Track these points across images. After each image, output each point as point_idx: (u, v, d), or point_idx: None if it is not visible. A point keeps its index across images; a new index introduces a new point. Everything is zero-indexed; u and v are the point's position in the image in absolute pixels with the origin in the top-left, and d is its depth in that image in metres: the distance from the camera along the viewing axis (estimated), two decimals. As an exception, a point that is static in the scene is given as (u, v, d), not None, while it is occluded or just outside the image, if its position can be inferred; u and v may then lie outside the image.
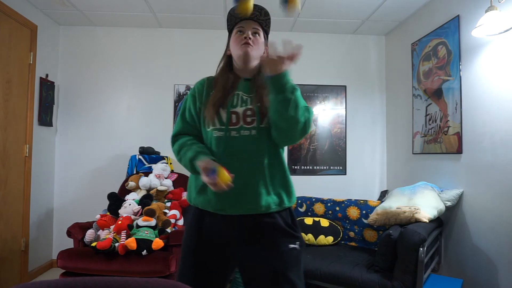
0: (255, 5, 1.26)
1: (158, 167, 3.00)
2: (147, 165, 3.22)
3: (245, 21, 1.30)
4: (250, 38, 1.27)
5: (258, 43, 1.30)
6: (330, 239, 2.85)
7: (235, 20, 1.32)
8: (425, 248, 2.00)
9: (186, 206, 2.88)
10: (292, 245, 1.24)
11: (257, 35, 1.30)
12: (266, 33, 1.37)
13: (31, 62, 2.98)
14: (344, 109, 3.64)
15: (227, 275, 1.31)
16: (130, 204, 2.63)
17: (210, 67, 3.95)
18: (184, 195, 2.93)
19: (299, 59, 1.13)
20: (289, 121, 1.15)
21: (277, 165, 1.28)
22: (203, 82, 1.36)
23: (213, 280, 1.27)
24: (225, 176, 1.09)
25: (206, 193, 1.24)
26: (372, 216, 2.55)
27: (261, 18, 1.32)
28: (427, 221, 2.21)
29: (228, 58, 1.37)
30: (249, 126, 1.23)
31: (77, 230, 2.50)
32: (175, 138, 1.34)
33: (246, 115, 1.24)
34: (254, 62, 1.31)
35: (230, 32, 1.36)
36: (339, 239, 2.89)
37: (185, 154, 1.24)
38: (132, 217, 2.54)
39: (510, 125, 2.04)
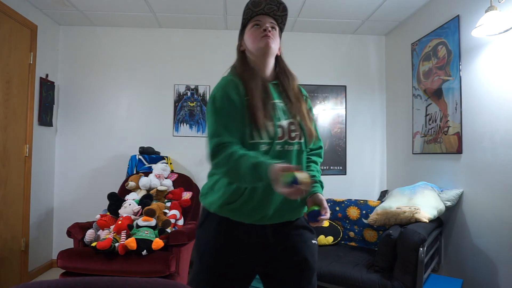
0: None
1: (158, 167, 3.00)
2: (147, 165, 3.22)
3: (262, 16, 1.26)
4: (269, 31, 1.23)
5: (276, 37, 1.26)
6: (330, 239, 2.85)
7: (251, 14, 1.27)
8: (425, 248, 2.00)
9: (186, 206, 2.88)
10: (313, 241, 1.30)
11: (274, 29, 1.26)
12: (281, 30, 1.33)
13: (31, 62, 2.99)
14: (344, 109, 3.64)
15: (249, 283, 1.29)
16: (130, 204, 2.63)
17: (210, 67, 3.96)
18: (184, 195, 2.93)
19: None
20: None
21: None
22: (234, 85, 1.21)
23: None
24: (305, 178, 0.96)
25: (240, 207, 1.17)
26: (372, 216, 2.55)
27: (278, 13, 1.28)
28: (427, 221, 2.21)
29: (244, 57, 1.29)
30: (292, 141, 1.20)
31: (77, 230, 2.50)
32: (218, 148, 1.13)
33: (290, 129, 1.21)
34: (272, 60, 1.28)
35: (244, 26, 1.31)
36: (339, 239, 2.89)
37: (240, 163, 1.06)
38: (132, 217, 2.54)
39: (510, 125, 2.04)
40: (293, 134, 1.21)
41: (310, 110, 1.34)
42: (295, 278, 1.24)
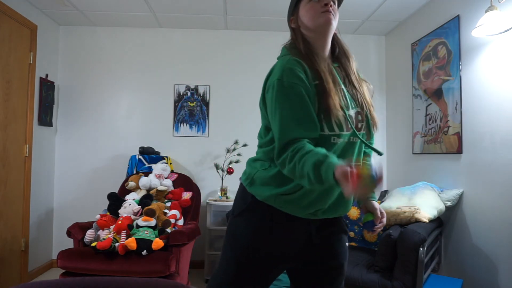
0: None
1: (158, 167, 3.00)
2: (147, 165, 3.22)
3: None
4: (331, 5, 1.10)
5: (336, 13, 1.13)
6: (330, 239, 2.85)
7: None
8: (425, 248, 2.00)
9: (186, 206, 2.88)
10: (347, 244, 1.28)
11: (334, 4, 1.13)
12: (339, 4, 1.20)
13: (31, 62, 2.98)
14: (344, 109, 3.64)
15: (275, 278, 1.23)
16: (130, 204, 2.63)
17: (210, 67, 3.96)
18: (184, 195, 2.93)
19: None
20: None
21: None
22: (301, 66, 1.05)
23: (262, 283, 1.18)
24: (366, 176, 0.84)
25: (299, 199, 1.08)
26: (372, 216, 2.55)
27: None
28: (427, 221, 2.21)
29: (301, 34, 1.14)
30: (359, 133, 1.10)
31: (77, 230, 2.50)
32: (285, 147, 1.01)
33: (358, 119, 1.11)
34: (331, 37, 1.16)
35: (297, 0, 1.17)
36: (339, 239, 2.88)
37: (303, 162, 0.94)
38: (132, 217, 2.54)
39: (510, 125, 2.04)
40: (360, 125, 1.11)
41: (371, 97, 1.22)
42: (329, 282, 1.22)
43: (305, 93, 1.01)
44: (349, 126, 1.05)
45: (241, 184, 1.22)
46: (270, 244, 1.13)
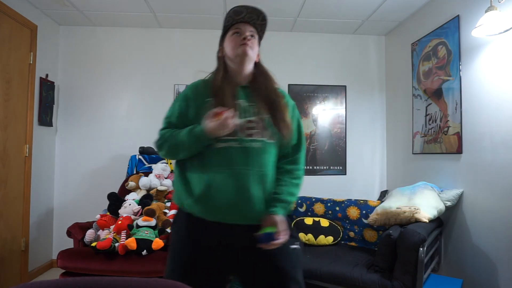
0: (254, 9, 1.30)
1: (158, 167, 3.00)
2: (147, 165, 3.22)
3: (243, 24, 1.31)
4: (249, 39, 1.28)
5: (254, 45, 1.31)
6: (330, 239, 2.85)
7: (232, 22, 1.32)
8: (425, 248, 2.00)
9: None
10: (293, 246, 1.26)
11: (253, 37, 1.31)
12: (260, 38, 1.38)
13: (31, 62, 2.98)
14: (344, 109, 3.64)
15: (223, 283, 1.29)
16: (130, 204, 2.63)
17: (210, 67, 3.95)
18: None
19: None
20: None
21: (274, 176, 1.28)
22: (197, 86, 1.33)
23: None
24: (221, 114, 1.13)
25: (206, 202, 1.19)
26: (372, 216, 2.55)
27: (258, 22, 1.33)
28: (427, 221, 2.21)
29: (224, 63, 1.34)
30: (248, 139, 1.22)
31: (77, 230, 2.50)
32: (160, 133, 1.32)
33: (247, 127, 1.23)
34: (249, 66, 1.31)
35: (224, 33, 1.36)
36: (339, 239, 2.89)
37: (175, 134, 1.24)
38: (132, 217, 2.54)
39: (510, 125, 2.04)
40: (250, 132, 1.23)
41: (288, 110, 1.32)
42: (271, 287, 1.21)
43: (185, 108, 1.29)
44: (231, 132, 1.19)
45: None
46: (196, 253, 1.21)
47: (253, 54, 1.29)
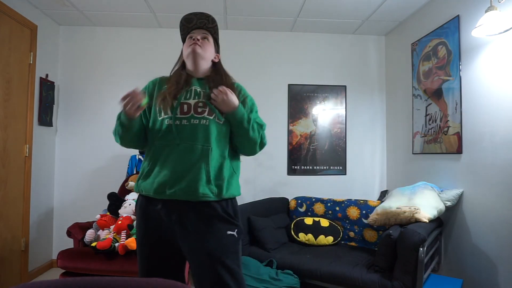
0: (202, 14, 1.45)
1: (158, 167, 2.99)
2: (147, 165, 3.21)
3: (196, 30, 1.47)
4: (198, 40, 1.42)
5: (206, 45, 1.44)
6: (330, 239, 2.85)
7: (187, 30, 1.48)
8: (425, 248, 2.00)
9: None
10: (230, 232, 1.31)
11: (206, 39, 1.45)
12: (216, 39, 1.52)
13: (31, 62, 2.98)
14: (344, 109, 3.64)
15: (180, 260, 1.41)
16: (130, 204, 2.63)
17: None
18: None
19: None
20: (250, 142, 1.39)
21: (225, 158, 1.36)
22: (155, 81, 1.51)
23: (167, 269, 1.36)
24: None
25: (148, 177, 1.34)
26: (372, 216, 2.55)
27: (209, 25, 1.48)
28: (427, 221, 2.21)
29: (183, 63, 1.49)
30: (199, 116, 1.34)
31: (77, 230, 2.50)
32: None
33: (197, 106, 1.36)
34: (203, 63, 1.44)
35: (184, 41, 1.50)
36: (339, 239, 2.89)
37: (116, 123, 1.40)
38: (132, 217, 2.54)
39: (510, 125, 2.04)
40: (199, 110, 1.36)
41: (243, 98, 1.47)
42: (202, 269, 1.28)
43: (145, 91, 1.50)
44: (185, 111, 1.35)
45: None
46: (147, 231, 1.36)
47: (204, 52, 1.42)
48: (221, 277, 1.25)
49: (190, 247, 1.30)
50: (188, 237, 1.30)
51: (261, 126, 1.42)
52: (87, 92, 3.49)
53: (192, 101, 1.37)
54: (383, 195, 3.30)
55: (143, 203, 1.37)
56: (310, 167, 3.60)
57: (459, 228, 2.45)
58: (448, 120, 2.58)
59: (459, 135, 2.46)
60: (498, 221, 2.11)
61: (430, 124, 2.82)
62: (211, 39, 1.48)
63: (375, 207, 2.75)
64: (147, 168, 1.36)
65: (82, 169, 3.45)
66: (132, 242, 2.25)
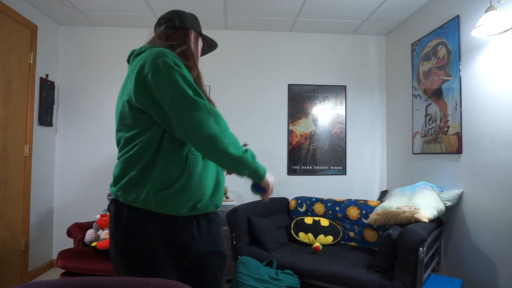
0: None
1: (158, 167, 2.99)
2: (147, 165, 3.21)
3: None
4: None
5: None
6: (330, 238, 2.85)
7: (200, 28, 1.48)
8: (425, 248, 2.00)
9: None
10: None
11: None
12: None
13: (31, 62, 2.99)
14: (344, 109, 3.65)
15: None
16: (130, 204, 2.62)
17: (210, 67, 3.94)
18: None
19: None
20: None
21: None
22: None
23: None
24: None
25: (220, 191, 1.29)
26: (372, 216, 2.55)
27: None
28: (427, 221, 2.21)
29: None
30: None
31: (77, 230, 2.50)
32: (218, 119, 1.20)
33: None
34: None
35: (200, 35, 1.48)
36: (339, 239, 2.89)
37: (253, 156, 1.18)
38: (132, 217, 2.54)
39: (510, 125, 2.04)
40: None
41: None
42: (214, 270, 1.25)
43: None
44: None
45: None
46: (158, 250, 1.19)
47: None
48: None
49: (206, 253, 1.28)
50: (204, 244, 1.27)
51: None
52: (87, 92, 3.49)
53: None
54: (383, 195, 3.30)
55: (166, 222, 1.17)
56: (310, 167, 3.60)
57: (459, 228, 2.46)
58: (448, 120, 2.58)
59: (459, 135, 2.46)
60: (498, 221, 2.11)
61: (430, 124, 2.82)
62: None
63: (375, 207, 2.75)
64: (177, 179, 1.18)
65: (82, 169, 3.45)
66: (132, 242, 2.25)
